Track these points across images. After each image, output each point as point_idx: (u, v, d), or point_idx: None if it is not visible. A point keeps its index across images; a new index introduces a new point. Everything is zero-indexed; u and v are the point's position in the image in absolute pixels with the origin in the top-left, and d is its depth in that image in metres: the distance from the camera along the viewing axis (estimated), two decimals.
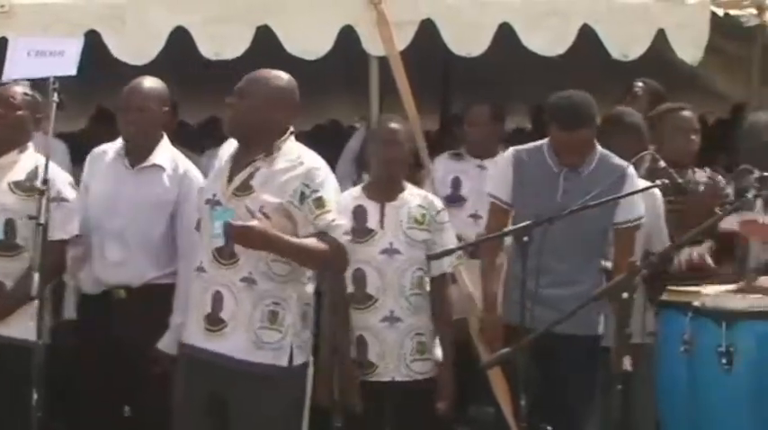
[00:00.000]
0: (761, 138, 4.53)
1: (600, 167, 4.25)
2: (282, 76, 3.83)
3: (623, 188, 4.18)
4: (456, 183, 5.23)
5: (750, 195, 3.80)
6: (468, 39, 5.19)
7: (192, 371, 3.77)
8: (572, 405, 4.25)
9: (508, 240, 4.23)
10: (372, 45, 5.10)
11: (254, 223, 3.55)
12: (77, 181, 4.29)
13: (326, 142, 6.47)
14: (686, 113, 4.85)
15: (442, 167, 5.34)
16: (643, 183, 4.32)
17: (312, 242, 3.67)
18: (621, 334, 3.99)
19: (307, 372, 3.87)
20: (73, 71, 4.02)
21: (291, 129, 3.82)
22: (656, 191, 4.34)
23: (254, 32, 5.02)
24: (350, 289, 4.26)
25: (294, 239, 3.66)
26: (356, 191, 4.40)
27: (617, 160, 4.28)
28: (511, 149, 4.45)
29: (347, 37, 5.11)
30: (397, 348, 4.23)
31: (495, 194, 4.41)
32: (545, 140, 4.34)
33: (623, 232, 4.27)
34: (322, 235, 3.68)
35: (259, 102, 3.74)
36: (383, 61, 5.12)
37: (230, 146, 3.88)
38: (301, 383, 3.83)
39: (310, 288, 3.82)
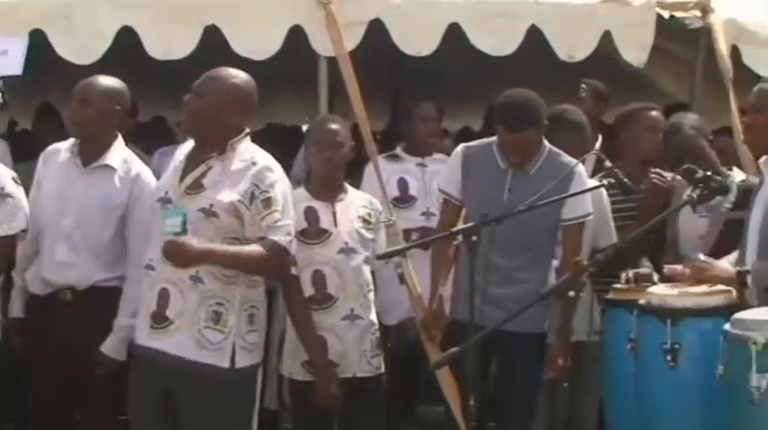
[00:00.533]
0: (680, 138, 4.61)
1: (547, 165, 4.28)
2: (241, 76, 3.82)
3: (571, 186, 4.21)
4: (403, 185, 5.20)
5: (694, 195, 3.83)
6: (417, 39, 5.21)
7: (141, 372, 3.77)
8: (519, 402, 4.29)
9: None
10: (321, 45, 5.10)
11: (184, 240, 3.54)
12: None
13: (280, 141, 6.47)
14: (655, 114, 4.93)
15: (384, 170, 5.26)
16: (591, 182, 4.37)
17: (249, 249, 3.68)
18: (565, 331, 4.05)
19: (254, 375, 3.87)
20: (18, 71, 3.97)
21: (247, 130, 3.82)
22: (602, 189, 4.38)
23: (202, 32, 4.99)
24: (309, 291, 4.24)
25: (231, 248, 3.66)
26: (301, 192, 4.38)
27: (566, 158, 4.32)
28: (461, 146, 4.48)
29: (296, 37, 5.11)
30: (357, 345, 4.26)
31: (446, 190, 4.44)
32: (495, 138, 4.37)
33: (570, 229, 4.31)
34: (262, 239, 3.68)
35: (215, 100, 3.73)
36: (333, 61, 5.12)
37: (188, 145, 3.88)
38: (247, 385, 3.82)
39: (259, 290, 3.82)
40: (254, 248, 3.67)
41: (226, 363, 3.69)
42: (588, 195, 4.28)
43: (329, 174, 4.34)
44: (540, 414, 4.54)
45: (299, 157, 5.95)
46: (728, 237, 4.21)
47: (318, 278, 4.24)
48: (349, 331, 4.24)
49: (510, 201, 4.16)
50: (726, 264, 3.96)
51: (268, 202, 3.70)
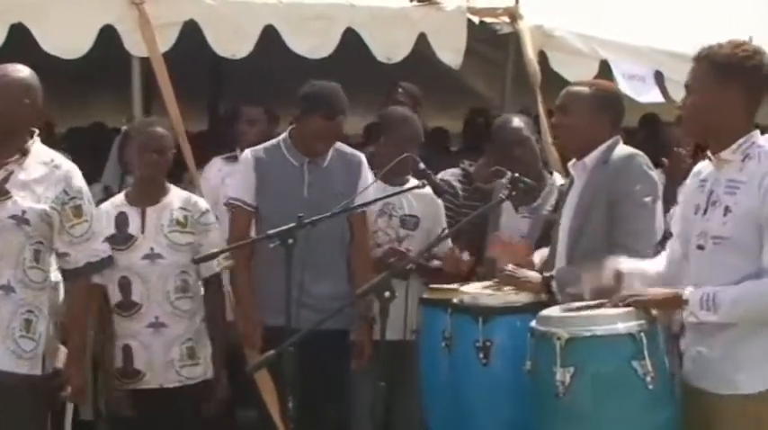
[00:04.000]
0: (503, 140, 4.73)
1: (336, 158, 4.40)
2: (23, 70, 3.68)
3: (361, 175, 4.38)
4: None
5: (503, 196, 3.94)
6: (232, 40, 5.19)
7: None
8: (335, 400, 4.33)
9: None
10: (134, 45, 5.02)
11: None
12: None
13: (88, 144, 6.31)
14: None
15: (219, 171, 5.26)
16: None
17: (73, 300, 3.82)
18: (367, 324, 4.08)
19: (60, 381, 3.78)
20: None
21: (36, 131, 3.71)
22: (431, 191, 4.46)
23: (8, 30, 4.83)
24: (117, 297, 4.18)
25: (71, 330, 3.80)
26: (119, 198, 4.32)
27: (349, 149, 4.45)
28: (248, 151, 4.46)
29: (111, 36, 4.99)
30: (163, 355, 4.17)
31: (240, 198, 4.40)
32: (280, 137, 4.40)
33: (359, 218, 4.38)
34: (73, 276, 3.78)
35: (7, 98, 3.59)
36: (147, 62, 5.03)
37: None
38: (54, 392, 3.75)
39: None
40: (75, 292, 3.81)
41: (38, 371, 3.61)
42: (371, 188, 4.39)
43: (151, 177, 4.26)
44: (362, 413, 4.59)
45: (110, 160, 5.82)
46: (549, 238, 4.34)
47: (124, 284, 4.17)
48: (154, 340, 4.17)
49: (310, 196, 4.24)
50: (532, 272, 4.06)
51: (78, 211, 3.66)
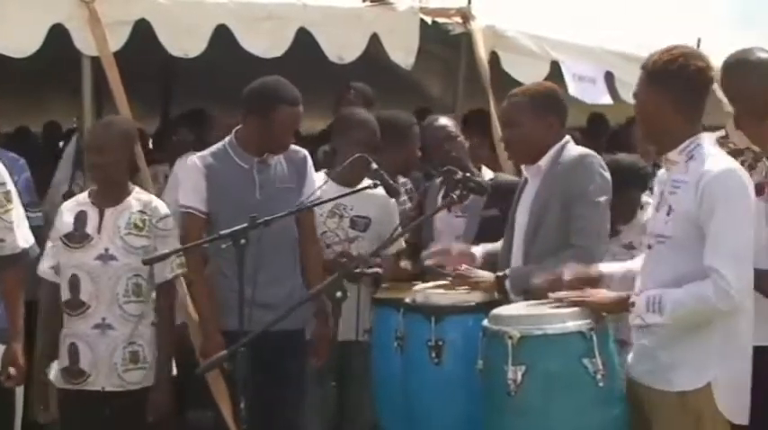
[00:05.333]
0: (432, 137, 4.76)
1: (281, 156, 4.38)
2: None
3: (308, 170, 4.40)
4: None
5: (454, 196, 3.95)
6: (184, 40, 5.15)
7: None
8: (289, 400, 4.32)
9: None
10: (84, 44, 4.96)
11: None
12: None
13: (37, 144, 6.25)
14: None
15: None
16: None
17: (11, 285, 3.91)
18: (335, 328, 4.11)
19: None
20: None
21: None
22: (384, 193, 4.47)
23: None
24: (66, 295, 4.15)
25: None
26: (83, 196, 4.30)
27: (294, 146, 4.42)
28: (196, 157, 4.40)
29: (62, 35, 4.94)
30: (108, 357, 4.14)
31: (191, 205, 4.32)
32: (225, 140, 4.38)
33: (308, 215, 4.39)
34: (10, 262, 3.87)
35: None
36: (99, 61, 4.99)
37: None
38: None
39: None
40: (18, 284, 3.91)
41: None
42: (316, 182, 4.43)
43: (100, 179, 4.24)
44: (314, 414, 4.58)
45: (63, 159, 5.77)
46: (486, 236, 4.37)
47: (74, 283, 4.14)
48: (99, 341, 4.13)
49: (262, 197, 4.22)
50: (484, 271, 4.08)
51: (8, 196, 3.82)
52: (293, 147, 4.41)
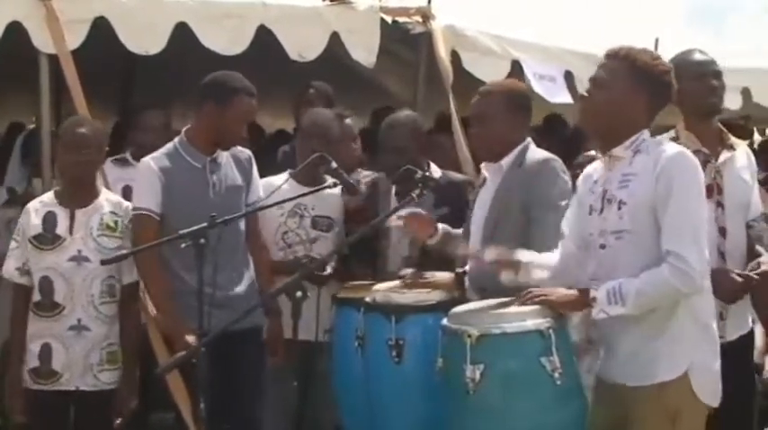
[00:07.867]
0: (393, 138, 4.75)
1: (228, 155, 4.40)
2: None
3: (253, 169, 4.42)
4: (126, 193, 4.79)
5: (414, 195, 3.94)
6: (144, 37, 5.12)
7: None
8: (247, 399, 4.31)
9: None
10: (42, 42, 4.92)
11: None
12: None
13: None
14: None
15: (109, 175, 5.01)
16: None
17: None
18: (295, 327, 4.09)
19: None
20: None
21: None
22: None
23: None
24: (37, 297, 4.13)
25: None
26: (48, 196, 4.26)
27: (238, 146, 4.43)
28: (148, 159, 4.36)
29: (19, 33, 4.89)
30: (83, 357, 4.13)
31: (147, 207, 4.26)
32: (175, 140, 4.36)
33: (251, 216, 4.38)
34: None
35: None
36: (57, 59, 4.94)
37: None
38: None
39: None
40: None
41: None
42: (260, 184, 4.46)
43: (75, 178, 4.21)
44: (275, 413, 4.57)
45: (12, 162, 5.72)
46: None
47: (46, 285, 4.12)
48: (75, 342, 4.13)
49: (216, 196, 4.22)
50: (441, 272, 4.11)
51: None
52: (238, 147, 4.40)
